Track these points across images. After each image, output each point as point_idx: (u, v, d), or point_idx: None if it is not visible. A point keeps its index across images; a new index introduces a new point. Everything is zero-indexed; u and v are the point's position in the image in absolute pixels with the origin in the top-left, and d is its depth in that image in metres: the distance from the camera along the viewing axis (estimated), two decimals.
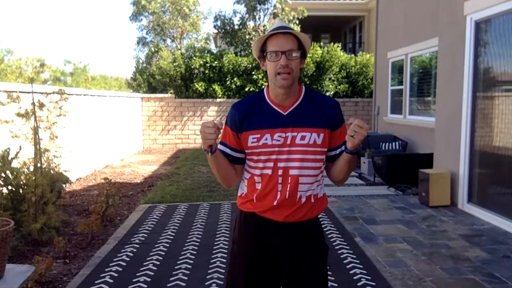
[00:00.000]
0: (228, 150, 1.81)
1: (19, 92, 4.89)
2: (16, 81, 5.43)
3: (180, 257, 3.86)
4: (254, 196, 1.77)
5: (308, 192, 1.75)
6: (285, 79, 1.66)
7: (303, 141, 1.70)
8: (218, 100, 12.49)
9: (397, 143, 8.30)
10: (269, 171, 1.73)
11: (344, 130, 1.77)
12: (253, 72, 12.49)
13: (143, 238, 4.41)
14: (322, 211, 1.84)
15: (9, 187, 4.11)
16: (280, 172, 1.72)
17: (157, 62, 14.06)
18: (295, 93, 1.75)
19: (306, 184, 1.73)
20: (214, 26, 15.00)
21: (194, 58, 12.64)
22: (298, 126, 1.71)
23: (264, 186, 1.75)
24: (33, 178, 4.16)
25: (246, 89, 12.24)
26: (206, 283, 3.31)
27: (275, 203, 1.73)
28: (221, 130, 1.63)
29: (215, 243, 4.22)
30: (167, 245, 4.21)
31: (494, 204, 4.91)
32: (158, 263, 3.75)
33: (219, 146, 1.85)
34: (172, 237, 4.43)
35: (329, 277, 2.75)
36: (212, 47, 19.76)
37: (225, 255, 3.87)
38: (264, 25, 14.47)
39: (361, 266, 3.61)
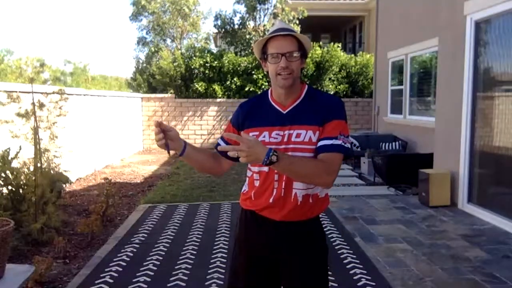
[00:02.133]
0: (223, 143, 1.83)
1: (19, 92, 4.89)
2: (16, 81, 5.43)
3: (180, 257, 3.86)
4: (252, 193, 1.79)
5: (308, 191, 1.74)
6: (286, 79, 1.69)
7: (298, 138, 1.71)
8: (218, 100, 12.48)
9: (397, 143, 8.30)
10: (265, 169, 1.74)
11: (335, 125, 1.68)
12: (253, 72, 12.49)
13: (143, 238, 4.41)
14: (322, 211, 1.84)
15: (9, 187, 4.11)
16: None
17: (157, 62, 14.07)
18: (296, 92, 1.77)
19: (301, 182, 1.72)
20: (214, 26, 15.01)
21: (194, 58, 12.64)
22: (295, 124, 1.72)
23: (261, 183, 1.76)
24: (33, 178, 4.16)
25: (246, 89, 12.24)
26: (206, 283, 3.31)
27: (271, 200, 1.73)
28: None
29: (215, 243, 4.22)
30: (167, 245, 4.21)
31: (494, 204, 4.90)
32: (158, 263, 3.75)
33: (219, 141, 1.88)
34: (172, 237, 4.43)
35: (329, 277, 2.75)
36: (212, 47, 19.76)
37: (225, 255, 3.87)
38: (264, 25, 14.46)
39: (361, 266, 3.61)
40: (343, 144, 1.67)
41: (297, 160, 1.61)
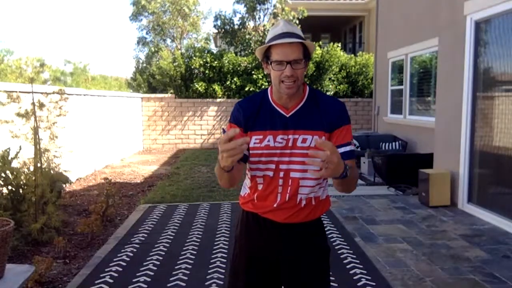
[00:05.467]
0: None
1: (19, 92, 4.89)
2: (16, 81, 5.43)
3: (180, 257, 3.87)
4: (255, 197, 1.77)
5: (310, 195, 1.73)
6: (290, 87, 1.64)
7: (304, 144, 1.68)
8: (218, 100, 12.49)
9: (397, 143, 8.30)
10: (270, 173, 1.72)
11: (346, 131, 1.73)
12: (253, 72, 12.49)
13: (143, 238, 4.41)
14: (324, 212, 1.83)
15: (9, 187, 4.11)
16: (281, 174, 1.70)
17: (157, 62, 14.08)
18: (299, 95, 1.73)
19: (307, 187, 1.72)
20: (214, 26, 15.00)
21: (194, 58, 12.64)
22: (299, 129, 1.69)
23: (265, 187, 1.74)
24: (33, 178, 4.16)
25: (246, 89, 12.24)
26: (206, 283, 3.31)
27: (275, 205, 1.72)
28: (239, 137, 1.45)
29: (215, 243, 4.22)
30: (167, 245, 4.21)
31: (494, 204, 4.91)
32: (158, 263, 3.75)
33: None
34: (172, 237, 4.43)
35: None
36: (212, 47, 19.76)
37: (225, 255, 3.87)
38: (264, 25, 14.46)
39: (361, 266, 3.61)
40: (354, 148, 1.76)
41: (351, 170, 1.59)
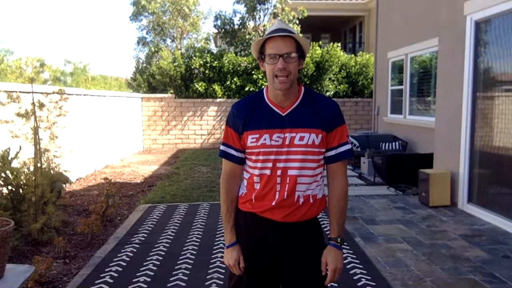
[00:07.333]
0: (233, 152, 1.82)
1: (19, 92, 4.89)
2: (16, 81, 5.42)
3: (180, 257, 3.87)
4: (253, 196, 1.78)
5: (307, 192, 1.75)
6: (283, 82, 1.67)
7: (302, 141, 1.71)
8: (218, 100, 12.49)
9: (397, 143, 8.30)
10: (267, 171, 1.74)
11: (342, 131, 1.78)
12: (253, 72, 12.49)
13: (143, 238, 4.41)
14: (321, 211, 1.84)
15: (9, 187, 4.11)
16: (278, 172, 1.72)
17: (157, 62, 14.07)
18: (294, 94, 1.76)
19: (304, 184, 1.74)
20: (214, 26, 15.00)
21: (194, 58, 12.64)
22: (296, 127, 1.72)
23: (262, 186, 1.75)
24: (33, 178, 4.16)
25: (246, 89, 12.24)
26: (206, 283, 3.31)
27: (273, 203, 1.73)
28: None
29: (215, 243, 4.22)
30: (167, 245, 4.21)
31: (494, 204, 4.91)
32: (158, 263, 3.75)
33: (222, 147, 1.85)
34: (172, 237, 4.43)
35: None
36: (212, 47, 19.75)
37: None
38: (264, 25, 14.47)
39: (361, 266, 3.61)
40: (351, 146, 1.81)
41: (342, 220, 1.82)
